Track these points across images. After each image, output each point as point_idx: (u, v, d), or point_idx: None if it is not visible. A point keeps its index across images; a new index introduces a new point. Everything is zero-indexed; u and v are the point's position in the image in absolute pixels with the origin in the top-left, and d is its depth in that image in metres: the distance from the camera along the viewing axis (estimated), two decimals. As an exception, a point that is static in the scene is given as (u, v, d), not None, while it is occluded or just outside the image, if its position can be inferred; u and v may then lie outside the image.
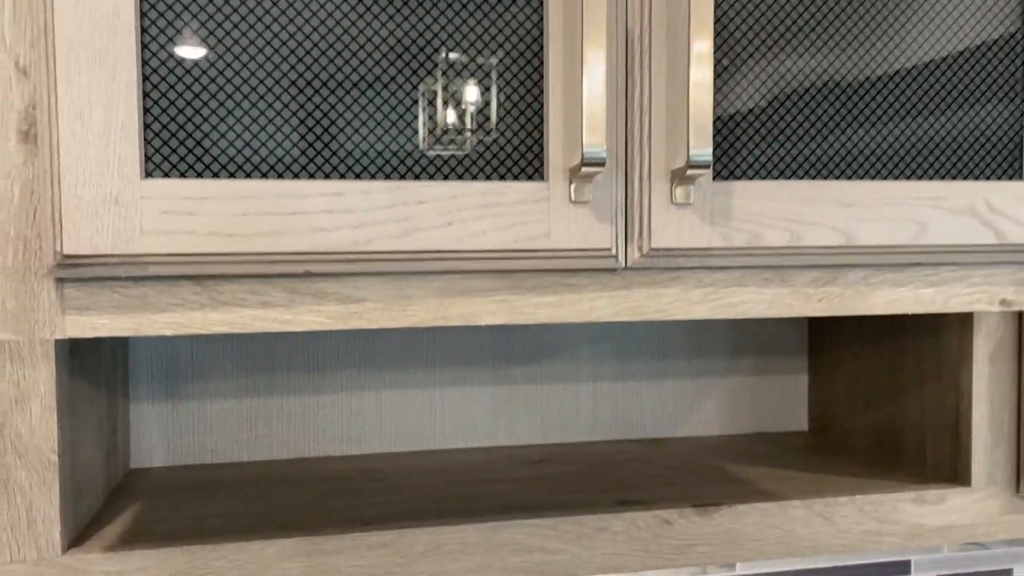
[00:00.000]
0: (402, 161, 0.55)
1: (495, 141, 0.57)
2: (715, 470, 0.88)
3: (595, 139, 0.54)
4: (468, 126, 0.56)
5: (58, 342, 0.56)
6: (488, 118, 0.57)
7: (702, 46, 0.55)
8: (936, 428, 0.85)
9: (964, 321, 0.81)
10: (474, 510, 0.75)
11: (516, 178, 0.57)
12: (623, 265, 0.59)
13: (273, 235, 0.53)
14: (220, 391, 0.90)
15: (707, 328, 1.03)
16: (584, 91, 0.53)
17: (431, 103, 0.56)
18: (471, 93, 0.56)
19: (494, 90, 0.56)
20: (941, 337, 0.84)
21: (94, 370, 0.73)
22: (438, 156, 0.56)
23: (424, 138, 0.56)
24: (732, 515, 0.76)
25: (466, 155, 0.56)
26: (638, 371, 1.01)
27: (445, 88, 0.56)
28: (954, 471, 0.83)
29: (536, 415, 0.98)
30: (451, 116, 0.57)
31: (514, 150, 0.57)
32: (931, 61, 0.63)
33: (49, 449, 0.62)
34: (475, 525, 0.71)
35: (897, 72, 0.62)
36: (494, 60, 0.56)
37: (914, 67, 0.62)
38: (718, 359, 1.04)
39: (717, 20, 0.59)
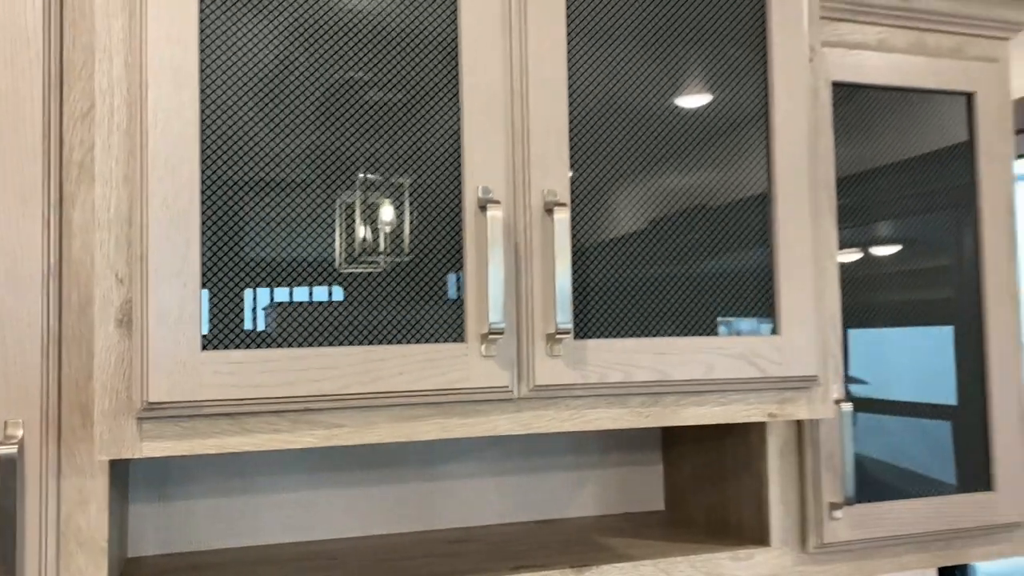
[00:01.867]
0: (319, 275, 0.83)
1: (409, 263, 0.85)
2: (590, 541, 1.16)
3: (497, 317, 0.83)
4: (382, 247, 0.85)
5: (126, 459, 0.81)
6: (401, 240, 0.85)
7: (563, 255, 0.86)
8: (747, 504, 1.17)
9: (761, 426, 1.13)
10: (410, 577, 1.00)
11: (443, 341, 0.86)
12: (517, 396, 0.88)
13: (286, 385, 0.80)
14: (202, 491, 1.13)
15: (581, 433, 1.33)
16: (490, 288, 0.84)
17: (349, 221, 0.84)
18: (387, 213, 0.85)
19: (407, 213, 0.85)
20: (748, 437, 1.16)
21: (117, 476, 0.97)
22: (350, 273, 0.84)
23: (340, 254, 0.84)
24: (599, 573, 1.04)
25: (380, 273, 0.85)
26: (532, 466, 1.30)
27: (363, 209, 0.84)
28: (759, 536, 1.14)
29: (456, 503, 1.25)
30: (367, 234, 0.85)
31: (425, 277, 0.86)
32: (695, 212, 0.96)
33: (101, 538, 0.85)
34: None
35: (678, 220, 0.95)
36: (407, 180, 0.85)
37: (685, 215, 0.96)
38: (592, 455, 1.33)
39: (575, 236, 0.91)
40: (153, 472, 1.13)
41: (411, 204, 0.86)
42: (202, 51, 0.80)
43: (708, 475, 1.26)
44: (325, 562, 1.08)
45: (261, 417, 0.81)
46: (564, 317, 0.86)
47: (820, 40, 1.08)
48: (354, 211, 0.85)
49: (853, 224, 1.17)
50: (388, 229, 0.85)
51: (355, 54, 0.85)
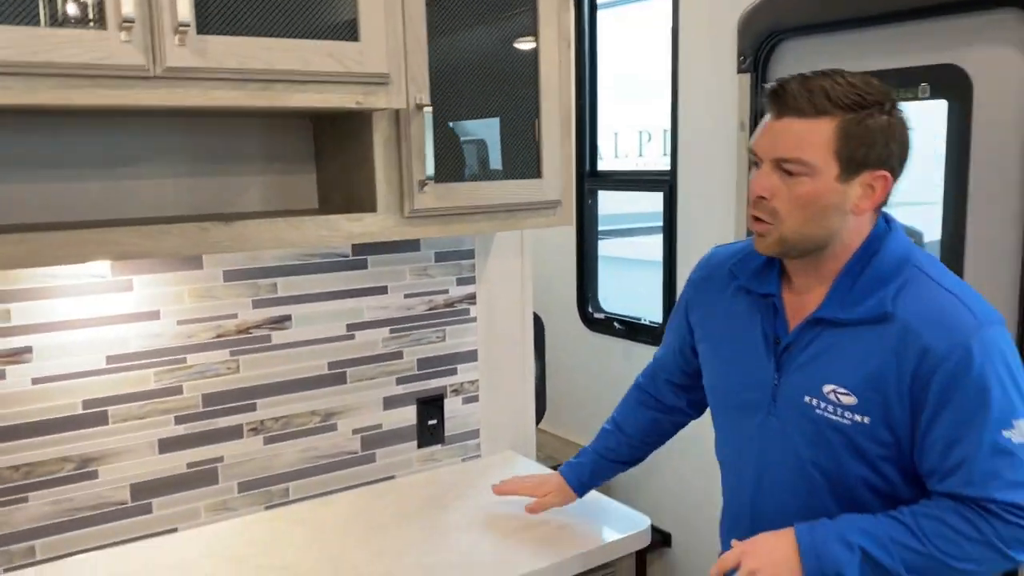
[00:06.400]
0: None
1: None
2: (247, 216, 1.54)
3: (128, 9, 1.14)
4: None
5: None
6: None
7: (180, -32, 1.17)
8: (365, 188, 1.58)
9: (370, 127, 1.53)
10: (93, 226, 1.32)
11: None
12: (153, 75, 1.21)
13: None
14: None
15: (250, 141, 1.67)
16: (121, -14, 1.13)
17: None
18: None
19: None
20: (362, 138, 1.56)
21: None
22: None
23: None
24: (242, 226, 1.42)
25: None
26: (205, 171, 1.63)
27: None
28: (372, 205, 1.56)
29: (141, 199, 1.56)
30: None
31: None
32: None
33: None
34: (88, 230, 1.29)
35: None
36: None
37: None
38: (258, 163, 1.69)
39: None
40: None
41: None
42: None
43: (342, 173, 1.67)
44: (22, 233, 1.37)
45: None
46: (186, 15, 1.19)
47: None
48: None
49: None
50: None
51: None
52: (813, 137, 1.17)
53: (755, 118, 2.29)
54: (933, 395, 1.16)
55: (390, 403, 1.90)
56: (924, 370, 1.16)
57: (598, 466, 1.62)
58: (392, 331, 1.89)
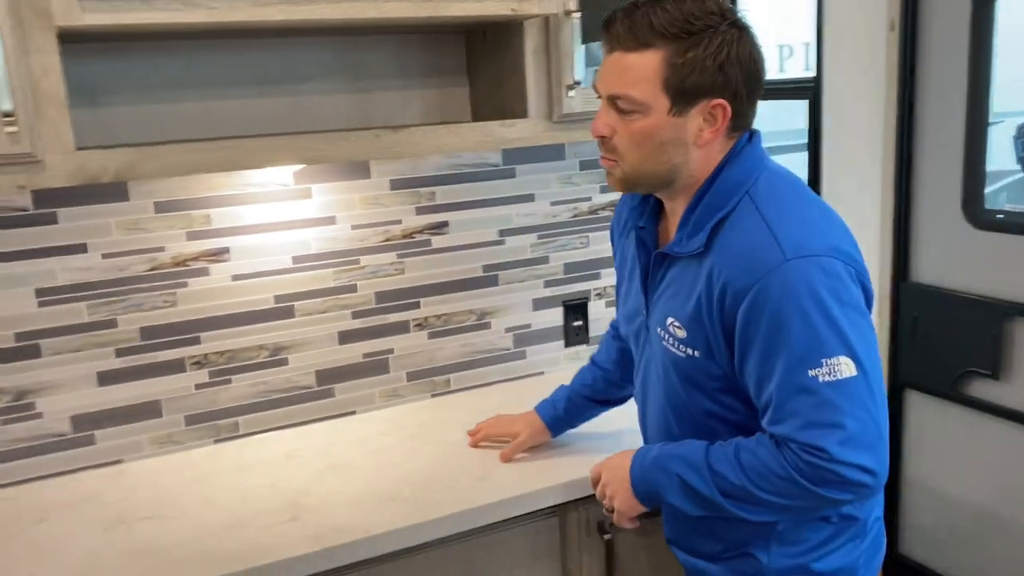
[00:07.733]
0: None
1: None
2: (412, 125, 1.67)
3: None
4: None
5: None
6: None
7: None
8: (516, 95, 1.68)
9: (520, 36, 1.62)
10: (280, 135, 1.48)
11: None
12: (333, -9, 1.34)
13: (174, -25, 1.23)
14: (123, 100, 1.57)
15: (409, 58, 1.79)
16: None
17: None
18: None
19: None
20: (512, 45, 1.66)
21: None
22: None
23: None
24: (408, 133, 1.55)
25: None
26: (370, 87, 1.78)
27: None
28: (524, 112, 1.66)
29: (314, 113, 1.72)
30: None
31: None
32: None
33: (62, 96, 1.29)
34: (276, 137, 1.45)
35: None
36: None
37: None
38: (416, 78, 1.81)
39: None
40: (83, 86, 1.55)
41: None
42: None
43: (495, 85, 1.77)
44: (228, 139, 1.55)
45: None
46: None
47: None
48: None
49: None
50: None
51: None
52: (639, 72, 1.10)
53: (907, 17, 2.22)
54: (739, 333, 1.12)
55: (538, 304, 2.02)
56: (728, 307, 1.12)
57: (572, 403, 1.59)
58: (539, 237, 2.00)
